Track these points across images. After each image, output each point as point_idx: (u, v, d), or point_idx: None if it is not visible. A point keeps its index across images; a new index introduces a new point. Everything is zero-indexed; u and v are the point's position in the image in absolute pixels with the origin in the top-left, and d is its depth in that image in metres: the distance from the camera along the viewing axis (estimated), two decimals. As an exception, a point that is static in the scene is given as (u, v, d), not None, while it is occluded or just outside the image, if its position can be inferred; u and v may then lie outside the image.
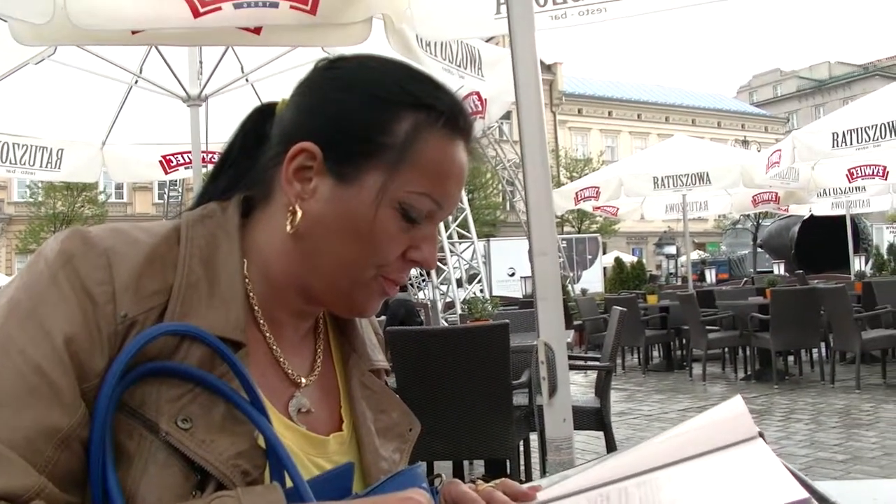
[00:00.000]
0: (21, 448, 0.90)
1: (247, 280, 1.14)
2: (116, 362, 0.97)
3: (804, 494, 0.92)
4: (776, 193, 14.92)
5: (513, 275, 29.97)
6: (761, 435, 1.12)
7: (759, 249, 35.52)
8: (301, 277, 1.16)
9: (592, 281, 30.18)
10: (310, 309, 1.23)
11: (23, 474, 0.89)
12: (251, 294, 1.15)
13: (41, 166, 7.36)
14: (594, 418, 5.51)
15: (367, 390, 1.29)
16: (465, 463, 5.71)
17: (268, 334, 1.18)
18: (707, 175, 12.89)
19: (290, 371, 1.19)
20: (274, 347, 1.18)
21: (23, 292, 1.00)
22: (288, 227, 1.13)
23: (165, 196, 33.35)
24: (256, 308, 1.16)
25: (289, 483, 1.00)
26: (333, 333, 1.34)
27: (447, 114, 1.14)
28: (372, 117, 1.12)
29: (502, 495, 1.13)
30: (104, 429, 0.95)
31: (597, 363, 6.33)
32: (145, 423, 0.98)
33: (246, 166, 1.22)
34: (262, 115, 1.25)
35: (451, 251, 17.97)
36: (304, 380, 1.21)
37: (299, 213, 1.12)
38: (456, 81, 5.00)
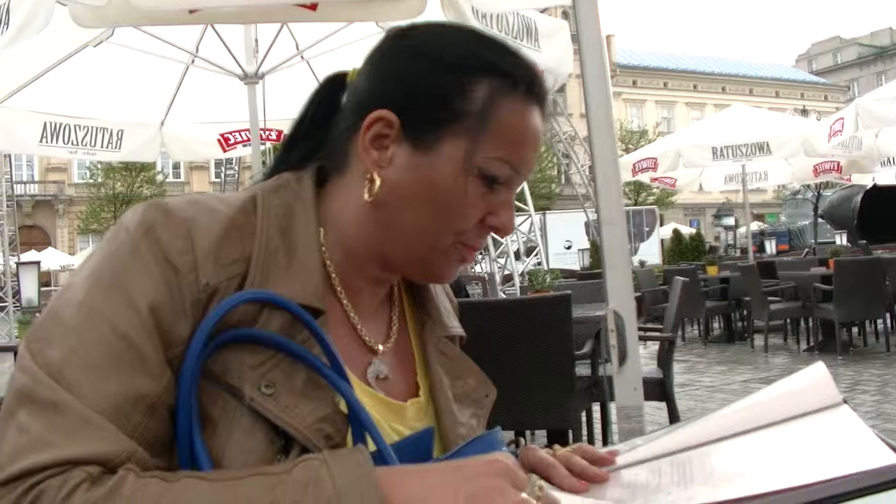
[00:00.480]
0: (111, 414, 0.92)
1: (323, 248, 1.15)
2: (200, 329, 0.98)
3: None
4: (838, 163, 14.65)
5: (569, 248, 29.91)
6: (845, 402, 1.10)
7: (819, 220, 34.97)
8: (378, 245, 1.16)
9: (650, 253, 29.92)
10: (386, 276, 1.23)
11: (114, 439, 0.91)
12: (328, 262, 1.16)
13: (102, 147, 7.47)
14: (657, 389, 5.47)
15: (443, 357, 1.29)
16: (527, 434, 5.71)
17: (345, 302, 1.18)
18: (767, 145, 12.68)
19: (367, 338, 1.20)
20: (351, 315, 1.19)
21: (106, 263, 1.01)
22: (366, 196, 1.13)
23: (222, 174, 33.68)
24: (333, 276, 1.17)
25: (371, 447, 1.00)
26: (408, 300, 1.34)
27: (524, 80, 1.14)
28: (448, 84, 1.11)
29: (580, 459, 1.12)
30: (190, 395, 0.97)
31: (659, 334, 6.28)
32: (229, 389, 0.99)
33: (319, 136, 1.22)
34: (334, 85, 1.25)
35: (509, 227, 17.89)
36: (380, 347, 1.21)
37: (377, 182, 1.12)
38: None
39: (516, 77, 1.13)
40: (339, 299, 1.18)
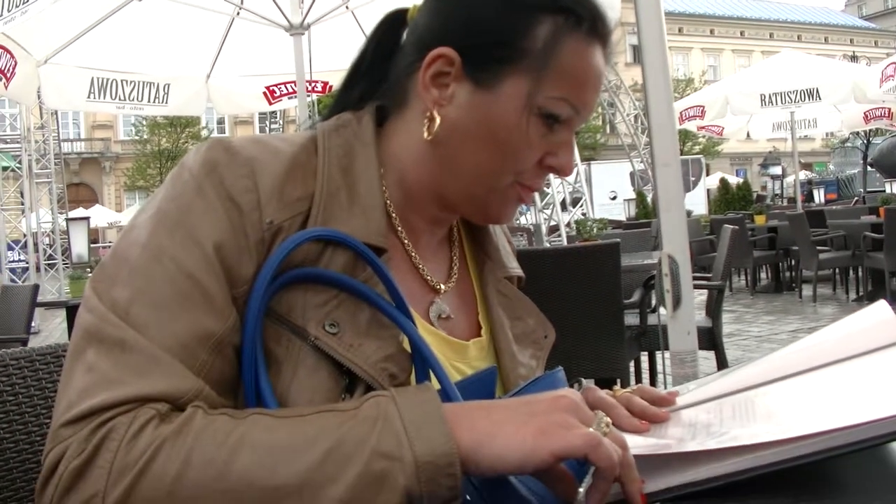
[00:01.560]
0: (178, 352, 0.93)
1: (384, 188, 1.14)
2: (265, 268, 0.99)
3: None
4: (889, 109, 14.42)
5: (615, 198, 29.71)
6: (912, 339, 1.09)
7: (869, 168, 34.45)
8: (437, 185, 1.16)
9: (696, 203, 29.64)
10: (445, 216, 1.23)
11: (182, 377, 0.92)
12: (388, 202, 1.16)
13: (149, 102, 7.54)
14: (706, 337, 5.43)
15: (503, 297, 1.29)
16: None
17: (406, 241, 1.19)
18: (817, 91, 12.51)
19: (428, 277, 1.20)
20: (413, 254, 1.19)
21: (170, 202, 1.02)
22: (425, 134, 1.12)
23: (267, 129, 33.75)
24: (394, 215, 1.17)
25: (436, 385, 1.00)
26: (468, 241, 1.34)
27: (588, 18, 1.11)
28: (510, 21, 1.10)
29: (641, 400, 1.12)
30: (255, 333, 0.98)
31: (708, 282, 6.24)
32: (293, 328, 1.00)
33: (379, 75, 1.22)
34: (394, 23, 1.23)
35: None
36: (442, 286, 1.22)
37: (437, 120, 1.11)
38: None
39: (580, 14, 1.11)
40: (399, 238, 1.18)
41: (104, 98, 7.23)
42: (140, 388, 0.89)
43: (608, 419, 0.95)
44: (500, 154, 1.11)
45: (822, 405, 1.01)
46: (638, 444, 1.02)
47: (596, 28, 1.12)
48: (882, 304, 1.17)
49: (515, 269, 1.36)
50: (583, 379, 1.19)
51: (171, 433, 0.87)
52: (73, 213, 28.70)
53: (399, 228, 1.18)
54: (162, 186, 1.05)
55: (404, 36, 1.21)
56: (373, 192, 1.10)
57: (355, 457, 0.86)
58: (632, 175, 28.15)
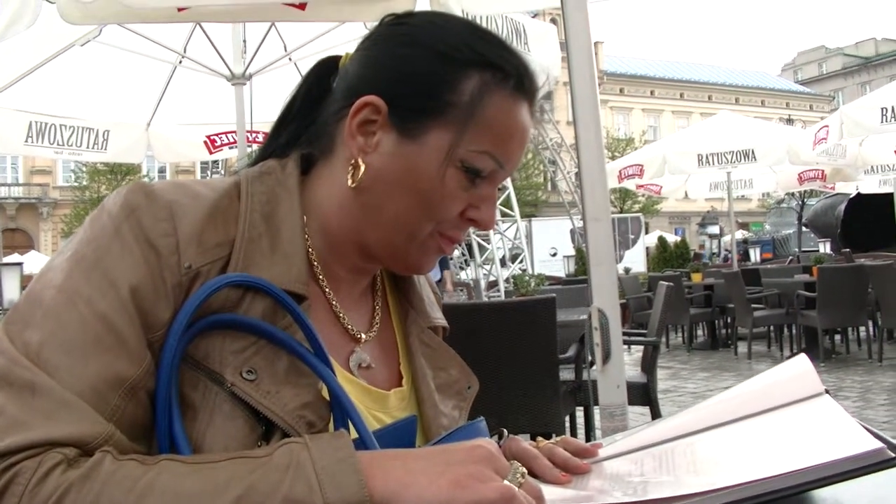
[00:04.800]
0: (89, 396, 0.91)
1: (307, 236, 1.14)
2: (182, 312, 0.98)
3: (878, 444, 0.91)
4: (823, 171, 14.72)
5: (555, 254, 29.96)
6: (827, 391, 1.11)
7: (804, 228, 35.11)
8: (359, 233, 1.16)
9: (635, 261, 30.00)
10: (367, 266, 1.23)
11: (92, 421, 0.90)
12: (311, 249, 1.15)
13: (88, 147, 7.43)
14: (641, 393, 5.49)
15: (426, 347, 1.29)
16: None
17: (327, 290, 1.18)
18: (752, 152, 12.74)
19: (349, 326, 1.20)
20: (334, 303, 1.19)
21: (87, 245, 1.01)
22: (349, 181, 1.13)
23: (208, 178, 33.53)
24: (316, 263, 1.16)
25: (353, 434, 1.00)
26: (391, 291, 1.34)
27: (514, 74, 1.14)
28: (439, 74, 1.11)
29: (563, 451, 1.12)
30: (170, 379, 0.97)
31: (644, 338, 6.30)
32: (210, 374, 0.99)
33: (307, 121, 1.22)
34: (325, 70, 1.25)
35: (494, 230, 17.94)
36: (363, 335, 1.21)
37: (362, 168, 1.12)
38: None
39: (507, 71, 1.13)
40: (321, 287, 1.17)
41: (42, 142, 7.13)
42: (48, 432, 0.88)
43: (524, 469, 0.95)
44: (421, 204, 1.11)
45: (741, 457, 1.03)
46: (558, 496, 1.03)
47: (522, 85, 1.14)
48: (802, 358, 1.19)
49: (439, 319, 1.36)
50: (505, 430, 1.19)
51: (77, 478, 0.85)
52: (8, 259, 28.17)
53: (321, 277, 1.17)
54: (80, 229, 1.04)
55: (335, 82, 1.21)
56: (295, 240, 1.10)
57: None
58: (572, 232, 28.42)
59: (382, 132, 1.12)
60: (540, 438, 1.19)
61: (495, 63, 1.13)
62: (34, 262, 37.80)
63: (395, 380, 1.24)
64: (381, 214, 1.13)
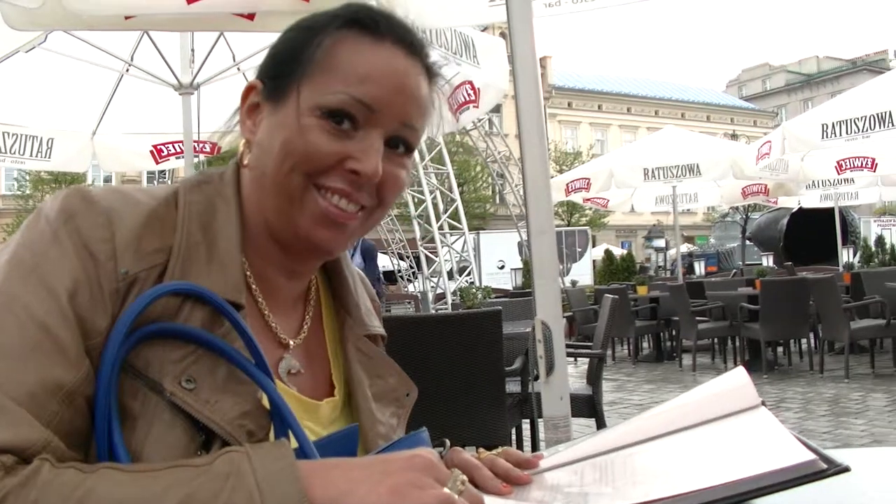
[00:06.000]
0: (26, 402, 0.90)
1: (243, 243, 1.15)
2: (121, 321, 0.98)
3: (811, 456, 0.93)
4: (766, 185, 14.97)
5: (502, 268, 30.03)
6: (763, 404, 1.14)
7: (748, 242, 35.57)
8: (261, 215, 1.17)
9: (582, 273, 30.21)
10: (291, 263, 1.22)
11: (28, 428, 0.89)
12: (244, 257, 1.16)
13: (31, 155, 7.34)
14: (587, 405, 5.52)
15: (362, 355, 1.29)
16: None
17: (258, 296, 1.19)
18: (697, 166, 12.91)
19: (278, 331, 1.20)
20: (265, 310, 1.19)
21: (24, 249, 1.00)
22: (245, 162, 1.17)
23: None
24: (248, 272, 1.17)
25: (293, 444, 1.00)
26: (327, 300, 1.35)
27: (365, 18, 1.15)
28: (299, 41, 1.15)
29: (504, 462, 1.13)
30: (109, 387, 0.96)
31: (589, 350, 6.34)
32: (149, 383, 0.99)
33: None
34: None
35: (441, 242, 17.95)
36: (291, 342, 1.22)
37: (252, 147, 1.16)
38: (452, 69, 5.01)
39: (358, 18, 1.15)
40: (252, 294, 1.18)
41: (-17, 149, 7.04)
42: None
43: (464, 478, 0.96)
44: (286, 156, 1.11)
45: (678, 468, 1.04)
46: (499, 506, 1.04)
47: (378, 26, 1.15)
48: (740, 371, 1.21)
49: (377, 327, 1.37)
50: (447, 440, 1.20)
51: (15, 486, 0.85)
52: (-53, 269, 27.68)
53: (252, 284, 1.18)
54: (17, 232, 1.04)
55: None
56: (231, 249, 1.11)
57: None
58: (519, 245, 28.50)
59: (264, 110, 1.16)
60: (482, 450, 1.20)
61: (345, 15, 1.15)
62: (-26, 271, 37.15)
63: (324, 388, 1.25)
64: (263, 182, 1.14)
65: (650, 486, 0.98)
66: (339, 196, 1.13)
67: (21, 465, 0.87)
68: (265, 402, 1.04)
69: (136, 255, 1.02)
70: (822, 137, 9.80)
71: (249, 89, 1.17)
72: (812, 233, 22.66)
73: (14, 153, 7.21)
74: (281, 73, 1.14)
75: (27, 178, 41.52)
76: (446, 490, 0.91)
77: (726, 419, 1.13)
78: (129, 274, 1.01)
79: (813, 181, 14.35)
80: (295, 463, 0.91)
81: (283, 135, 1.11)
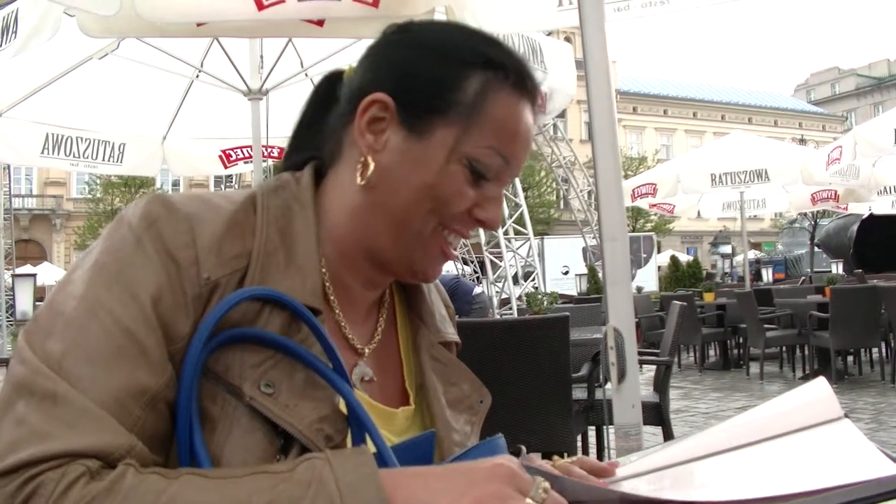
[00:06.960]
0: (111, 407, 0.91)
1: (319, 248, 1.15)
2: (203, 325, 0.99)
3: None
4: (835, 191, 14.66)
5: (567, 273, 29.91)
6: (847, 416, 1.11)
7: (816, 249, 35.01)
8: (367, 237, 1.17)
9: (647, 280, 29.94)
10: (378, 278, 1.23)
11: (114, 433, 0.90)
12: (322, 262, 1.16)
13: (104, 160, 7.47)
14: (653, 413, 5.47)
15: (436, 362, 1.29)
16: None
17: (333, 300, 1.19)
18: (766, 172, 12.71)
19: (351, 338, 1.20)
20: (337, 313, 1.20)
21: (108, 255, 1.01)
22: (359, 179, 1.14)
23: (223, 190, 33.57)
24: (326, 276, 1.17)
25: (371, 449, 1.00)
26: (401, 307, 1.35)
27: (514, 73, 1.16)
28: (443, 74, 1.13)
29: (580, 470, 1.12)
30: (191, 391, 0.97)
31: (656, 357, 6.28)
32: (229, 388, 0.99)
33: (317, 132, 1.25)
34: (331, 82, 1.27)
35: (507, 247, 17.92)
36: (366, 349, 1.22)
37: (371, 166, 1.13)
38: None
39: (507, 69, 1.15)
40: (328, 300, 1.18)
41: (58, 154, 7.16)
42: (70, 443, 0.88)
43: (546, 485, 0.94)
44: (427, 198, 1.12)
45: (758, 479, 1.03)
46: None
47: (524, 84, 1.16)
48: (821, 381, 1.19)
49: (451, 334, 1.37)
50: (523, 447, 1.19)
51: (101, 491, 0.85)
52: (21, 270, 28.26)
53: (329, 289, 1.18)
54: (100, 239, 1.05)
55: (340, 93, 1.23)
56: (309, 254, 1.11)
57: None
58: (584, 250, 28.41)
59: (391, 130, 1.14)
60: (556, 457, 1.19)
61: (496, 61, 1.15)
62: (47, 273, 37.97)
63: (397, 396, 1.25)
64: (388, 211, 1.14)
65: (730, 494, 0.96)
66: (456, 236, 1.18)
67: (106, 470, 0.88)
68: (342, 407, 1.05)
69: (217, 260, 1.03)
70: (895, 143, 9.59)
71: (374, 102, 1.13)
72: (883, 239, 22.24)
73: (87, 158, 7.34)
74: (425, 105, 1.13)
75: (98, 181, 42.34)
76: (528, 500, 0.90)
77: (808, 430, 1.11)
78: (210, 279, 1.02)
79: (885, 187, 14.02)
80: (377, 471, 0.91)
81: (426, 175, 1.11)
